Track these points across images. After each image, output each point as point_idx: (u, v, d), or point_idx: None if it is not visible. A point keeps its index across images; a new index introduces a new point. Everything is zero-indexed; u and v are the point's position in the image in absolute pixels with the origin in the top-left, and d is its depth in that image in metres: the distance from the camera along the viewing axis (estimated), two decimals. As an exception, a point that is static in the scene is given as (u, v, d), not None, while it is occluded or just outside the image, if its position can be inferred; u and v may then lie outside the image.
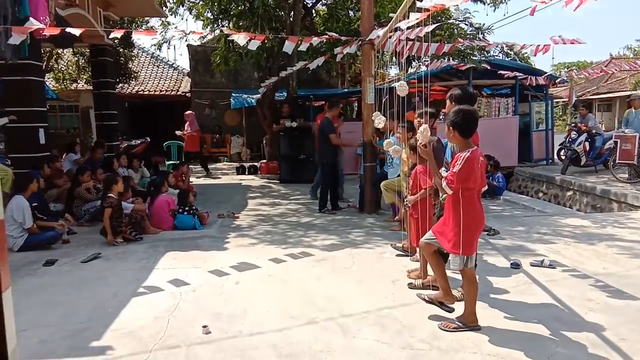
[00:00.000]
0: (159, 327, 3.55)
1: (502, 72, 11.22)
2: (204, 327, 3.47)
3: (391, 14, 6.65)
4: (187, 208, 6.85)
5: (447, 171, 3.99)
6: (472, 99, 4.13)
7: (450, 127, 3.37)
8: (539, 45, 7.10)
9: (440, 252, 3.63)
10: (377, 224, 6.90)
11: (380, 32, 6.98)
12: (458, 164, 3.24)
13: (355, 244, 5.82)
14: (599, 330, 3.37)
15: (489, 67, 11.10)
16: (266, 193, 10.26)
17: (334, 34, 8.61)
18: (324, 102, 14.03)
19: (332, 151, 7.88)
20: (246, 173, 13.83)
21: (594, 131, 11.23)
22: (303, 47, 7.58)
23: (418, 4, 4.87)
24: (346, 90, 16.54)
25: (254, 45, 6.94)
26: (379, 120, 5.37)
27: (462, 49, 10.19)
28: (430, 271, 4.21)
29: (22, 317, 3.77)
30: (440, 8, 4.95)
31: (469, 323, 3.40)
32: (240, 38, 6.89)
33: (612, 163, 10.12)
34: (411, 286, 4.26)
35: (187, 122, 13.16)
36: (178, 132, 13.56)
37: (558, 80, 15.25)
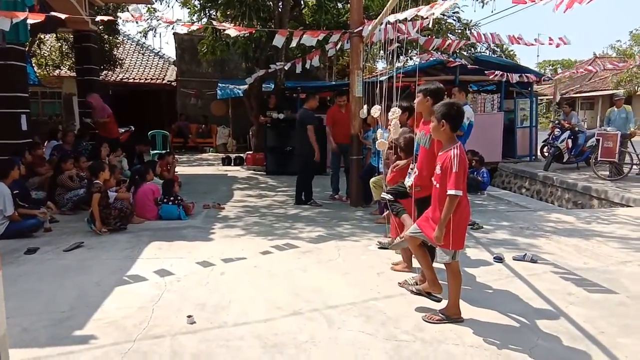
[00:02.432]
0: (143, 316, 3.52)
1: (489, 71, 11.30)
2: (189, 317, 3.45)
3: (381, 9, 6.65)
4: (172, 198, 6.79)
5: (414, 163, 3.99)
6: (443, 94, 4.13)
7: (443, 120, 3.34)
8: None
9: (424, 244, 3.66)
10: (363, 217, 6.92)
11: (370, 27, 6.96)
12: (455, 163, 3.23)
13: (341, 236, 5.84)
14: (579, 323, 3.44)
15: (477, 67, 11.18)
16: (252, 184, 10.23)
17: (324, 29, 8.56)
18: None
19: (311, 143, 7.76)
20: (232, 164, 13.76)
21: (576, 129, 11.41)
22: (294, 42, 7.51)
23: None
24: (334, 82, 16.51)
25: (234, 32, 6.90)
26: (374, 110, 5.36)
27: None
28: (415, 262, 4.26)
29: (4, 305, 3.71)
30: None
31: (452, 315, 3.44)
32: (229, 30, 6.83)
33: (593, 160, 10.30)
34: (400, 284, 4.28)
35: (94, 108, 10.19)
36: (87, 120, 10.86)
37: (542, 78, 15.44)
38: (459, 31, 11.38)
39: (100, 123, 10.24)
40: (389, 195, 4.26)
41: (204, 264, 4.72)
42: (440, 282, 3.66)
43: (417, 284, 4.01)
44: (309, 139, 7.62)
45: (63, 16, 5.97)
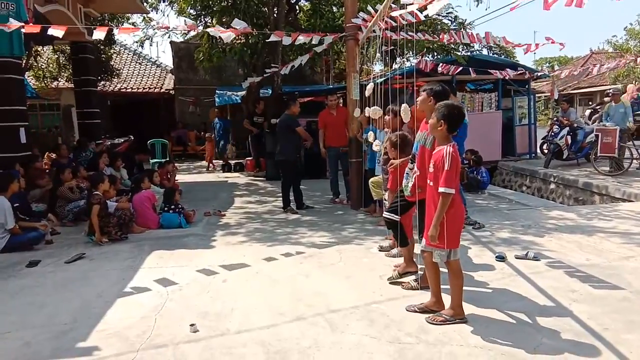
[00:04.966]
0: (145, 326, 3.52)
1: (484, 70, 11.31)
2: (192, 325, 3.44)
3: (378, 5, 6.63)
4: (172, 206, 6.79)
5: (412, 163, 3.97)
6: (448, 96, 4.14)
7: (441, 120, 3.35)
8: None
9: None
10: (364, 219, 6.91)
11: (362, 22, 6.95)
12: (447, 161, 3.24)
13: (343, 240, 5.82)
14: (583, 320, 3.43)
15: (471, 71, 11.18)
16: (252, 190, 10.22)
17: (319, 32, 8.54)
18: (313, 98, 14.02)
19: (293, 149, 7.68)
20: (232, 170, 13.76)
21: (575, 125, 11.40)
22: (286, 40, 7.47)
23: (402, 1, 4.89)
24: (331, 86, 16.51)
25: (228, 38, 6.85)
26: (373, 112, 5.34)
27: (446, 43, 10.28)
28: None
29: (6, 319, 3.71)
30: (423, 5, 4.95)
31: (455, 316, 3.43)
32: (224, 35, 6.79)
33: (593, 156, 10.28)
34: (391, 280, 4.30)
35: None
36: None
37: (540, 75, 15.45)
38: (454, 31, 11.39)
39: None
40: (394, 215, 4.22)
41: (205, 271, 4.71)
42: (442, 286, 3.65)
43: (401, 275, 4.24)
44: (293, 141, 7.56)
45: (60, 34, 5.92)
